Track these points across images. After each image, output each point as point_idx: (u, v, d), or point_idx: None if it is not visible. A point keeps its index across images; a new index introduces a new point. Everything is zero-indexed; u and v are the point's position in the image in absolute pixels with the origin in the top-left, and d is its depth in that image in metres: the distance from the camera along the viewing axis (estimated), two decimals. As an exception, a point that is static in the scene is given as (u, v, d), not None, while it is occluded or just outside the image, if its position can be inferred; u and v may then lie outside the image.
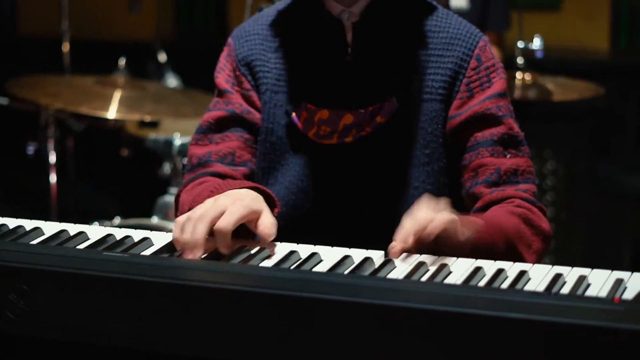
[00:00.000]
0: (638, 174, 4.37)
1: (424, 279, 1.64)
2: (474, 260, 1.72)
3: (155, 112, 3.74)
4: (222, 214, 1.75)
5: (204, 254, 1.74)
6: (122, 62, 3.93)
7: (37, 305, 1.60)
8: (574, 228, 4.89)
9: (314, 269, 1.69)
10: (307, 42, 2.08)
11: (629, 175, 4.41)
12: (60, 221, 1.95)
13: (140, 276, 1.57)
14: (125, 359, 1.59)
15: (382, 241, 1.78)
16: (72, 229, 1.87)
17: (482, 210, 1.97)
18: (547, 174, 4.94)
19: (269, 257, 1.76)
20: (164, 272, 1.60)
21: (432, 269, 1.67)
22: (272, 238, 1.78)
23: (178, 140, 3.74)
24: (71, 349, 1.63)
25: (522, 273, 1.64)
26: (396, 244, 1.72)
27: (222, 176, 2.04)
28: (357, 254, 1.74)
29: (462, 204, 2.14)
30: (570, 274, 1.64)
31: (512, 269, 1.68)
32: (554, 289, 1.56)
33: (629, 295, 1.52)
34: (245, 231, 1.80)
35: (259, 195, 1.84)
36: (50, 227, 1.88)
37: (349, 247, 1.77)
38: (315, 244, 1.79)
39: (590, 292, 1.56)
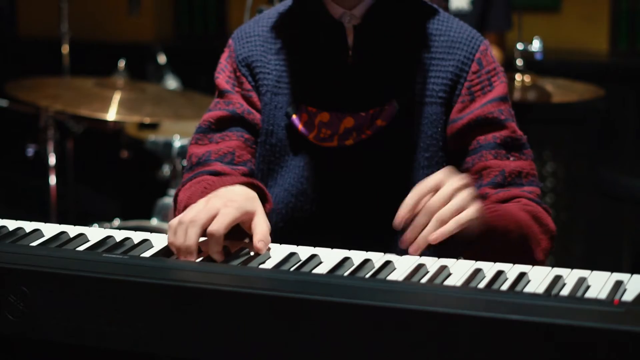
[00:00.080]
0: (637, 175, 4.37)
1: (423, 280, 1.64)
2: (473, 262, 1.72)
3: (155, 114, 3.74)
4: (213, 216, 1.74)
5: (199, 257, 1.74)
6: (121, 64, 3.93)
7: (36, 306, 1.60)
8: (574, 230, 4.89)
9: (314, 271, 1.69)
10: (308, 45, 2.08)
11: (628, 177, 4.41)
12: (60, 223, 1.95)
13: (139, 278, 1.57)
14: (124, 360, 1.60)
15: (382, 244, 1.78)
16: (72, 230, 1.87)
17: None
18: (546, 176, 4.94)
19: (268, 258, 1.76)
20: (163, 274, 1.60)
21: (432, 270, 1.67)
22: (266, 249, 1.77)
23: (177, 142, 3.74)
24: (71, 350, 1.63)
25: (521, 275, 1.64)
26: (401, 213, 1.72)
27: (220, 175, 2.03)
28: (357, 256, 1.74)
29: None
30: (570, 276, 1.64)
31: (511, 270, 1.68)
32: (554, 291, 1.56)
33: (628, 297, 1.52)
34: (239, 231, 1.79)
35: (252, 194, 1.84)
36: (49, 229, 1.88)
37: (349, 250, 1.77)
38: (315, 247, 1.79)
39: (589, 294, 1.56)
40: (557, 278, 1.62)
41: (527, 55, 3.64)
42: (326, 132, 2.03)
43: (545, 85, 3.67)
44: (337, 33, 2.04)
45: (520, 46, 3.62)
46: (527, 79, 3.64)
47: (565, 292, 1.57)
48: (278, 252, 1.78)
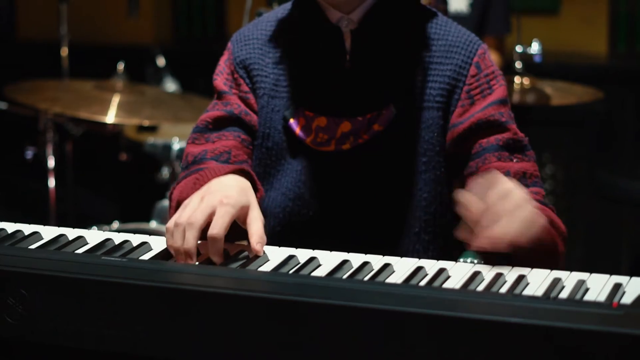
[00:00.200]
0: (637, 178, 4.37)
1: (422, 283, 1.64)
2: (472, 264, 1.72)
3: (154, 117, 3.74)
4: (210, 216, 1.74)
5: (201, 258, 1.74)
6: (120, 66, 3.92)
7: (35, 309, 1.59)
8: (573, 232, 4.87)
9: (313, 274, 1.69)
10: (306, 49, 2.08)
11: (627, 180, 4.41)
12: (59, 225, 1.95)
13: (138, 281, 1.57)
14: (123, 363, 1.59)
15: (379, 248, 1.78)
16: (71, 233, 1.87)
17: None
18: (545, 179, 4.94)
19: (267, 261, 1.76)
20: (162, 277, 1.60)
21: (431, 273, 1.67)
22: (262, 249, 1.77)
23: (176, 145, 3.73)
24: (69, 353, 1.63)
25: (520, 277, 1.64)
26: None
27: None
28: (356, 259, 1.74)
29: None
30: (569, 279, 1.64)
31: (510, 273, 1.68)
32: (553, 294, 1.56)
33: (627, 299, 1.52)
34: (234, 225, 1.79)
35: (245, 184, 1.84)
36: (48, 232, 1.88)
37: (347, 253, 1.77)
38: (313, 250, 1.79)
39: (588, 297, 1.56)
40: (556, 280, 1.62)
41: (526, 57, 3.64)
42: (323, 136, 2.03)
43: (545, 87, 3.67)
44: (334, 37, 2.04)
45: (519, 49, 3.62)
46: (526, 81, 3.63)
47: (564, 294, 1.57)
48: (277, 254, 1.78)
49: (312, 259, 1.73)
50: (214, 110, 2.10)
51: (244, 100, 2.09)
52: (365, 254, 1.77)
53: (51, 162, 3.91)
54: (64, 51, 4.15)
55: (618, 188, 4.40)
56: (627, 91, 4.90)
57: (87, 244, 1.83)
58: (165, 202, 3.77)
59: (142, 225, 3.67)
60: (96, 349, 1.58)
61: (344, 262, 1.71)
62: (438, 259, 1.75)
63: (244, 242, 1.84)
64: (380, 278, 1.65)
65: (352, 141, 2.02)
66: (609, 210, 4.83)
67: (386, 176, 2.02)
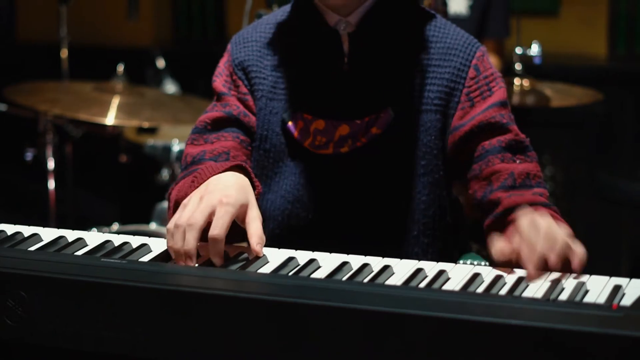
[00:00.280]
0: (636, 180, 4.37)
1: (422, 285, 1.64)
2: (472, 266, 1.72)
3: (154, 119, 3.74)
4: (210, 216, 1.74)
5: (200, 260, 1.74)
6: (120, 68, 3.92)
7: (35, 311, 1.59)
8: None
9: (312, 276, 1.69)
10: (304, 51, 2.08)
11: (627, 181, 4.41)
12: (59, 227, 1.95)
13: (138, 283, 1.57)
14: (123, 365, 1.59)
15: (378, 251, 1.78)
16: (71, 235, 1.87)
17: (503, 216, 1.96)
18: (545, 180, 4.91)
19: (267, 263, 1.76)
20: (162, 279, 1.60)
21: (431, 275, 1.67)
22: (262, 249, 1.77)
23: (176, 147, 3.73)
24: (69, 355, 1.62)
25: (520, 279, 1.64)
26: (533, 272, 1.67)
27: None
28: (356, 260, 1.74)
29: (461, 215, 2.14)
30: (569, 280, 1.64)
31: (510, 275, 1.68)
32: (552, 296, 1.56)
33: (627, 301, 1.52)
34: (232, 224, 1.79)
35: (244, 181, 1.84)
36: (48, 234, 1.88)
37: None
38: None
39: (588, 299, 1.56)
40: (556, 282, 1.62)
41: (525, 59, 3.64)
42: (321, 139, 2.03)
43: (544, 89, 3.67)
44: (332, 40, 2.04)
45: (519, 50, 3.62)
46: (526, 83, 3.63)
47: (563, 296, 1.57)
48: (276, 256, 1.78)
49: (311, 260, 1.73)
50: (213, 111, 2.10)
51: (243, 102, 2.09)
52: (364, 255, 1.77)
53: (51, 164, 3.91)
54: (64, 53, 4.15)
55: (618, 189, 4.39)
56: (627, 93, 4.90)
57: (86, 245, 1.83)
58: (165, 204, 3.76)
59: (141, 227, 3.66)
60: (95, 351, 1.58)
61: (344, 263, 1.71)
62: (437, 262, 1.75)
63: (244, 244, 1.84)
64: (379, 280, 1.65)
65: (350, 144, 2.02)
66: (608, 211, 4.83)
67: (384, 179, 2.02)
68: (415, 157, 2.02)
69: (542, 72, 3.98)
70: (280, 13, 2.13)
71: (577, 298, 1.55)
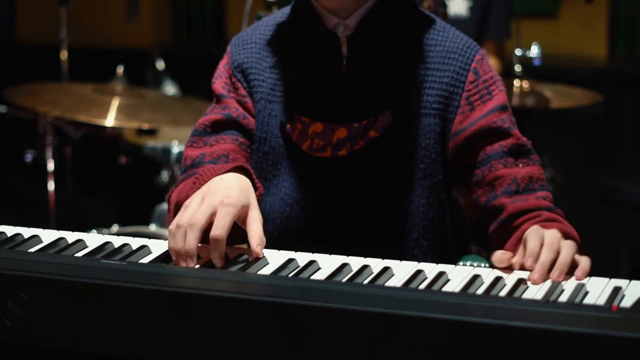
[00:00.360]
0: (636, 181, 4.36)
1: (422, 286, 1.64)
2: (471, 268, 1.72)
3: (153, 120, 3.74)
4: (211, 217, 1.74)
5: (200, 261, 1.74)
6: (120, 69, 3.92)
7: (34, 313, 1.59)
8: (572, 235, 4.87)
9: (312, 277, 1.69)
10: (303, 54, 2.08)
11: (627, 183, 4.41)
12: (58, 229, 1.95)
13: (138, 284, 1.57)
14: (123, 367, 1.59)
15: (377, 254, 1.77)
16: (70, 236, 1.87)
17: (507, 222, 1.97)
18: (545, 182, 4.93)
19: (267, 264, 1.76)
20: (162, 280, 1.60)
21: (431, 276, 1.67)
22: (262, 250, 1.77)
23: (176, 148, 3.73)
24: (69, 356, 1.62)
25: (520, 281, 1.64)
26: (537, 276, 1.68)
27: None
28: (355, 262, 1.74)
29: (460, 218, 2.14)
30: (569, 282, 1.64)
31: (509, 277, 1.68)
32: (552, 297, 1.56)
33: (627, 303, 1.52)
34: (233, 225, 1.79)
35: (246, 183, 1.83)
36: (48, 235, 1.88)
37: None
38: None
39: (588, 300, 1.56)
40: (556, 284, 1.62)
41: (525, 61, 3.64)
42: (319, 142, 2.03)
43: (544, 91, 3.67)
44: (331, 43, 2.04)
45: (518, 52, 3.62)
46: (526, 84, 3.63)
47: (563, 298, 1.57)
48: (276, 258, 1.78)
49: (311, 262, 1.73)
50: (212, 113, 2.10)
51: (242, 104, 2.09)
52: (364, 258, 1.77)
53: (50, 166, 3.91)
54: (64, 54, 4.15)
55: (617, 191, 4.39)
56: (627, 94, 4.90)
57: (86, 247, 1.83)
58: (165, 206, 3.76)
59: (141, 229, 3.66)
60: (95, 352, 1.58)
61: (344, 265, 1.71)
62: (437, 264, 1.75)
63: (244, 245, 1.84)
64: (379, 281, 1.65)
65: (348, 147, 2.02)
66: (608, 213, 4.83)
67: (382, 182, 2.02)
68: (413, 160, 2.02)
69: (542, 73, 3.98)
70: (280, 15, 2.13)
71: (577, 299, 1.55)
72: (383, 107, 2.02)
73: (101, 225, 3.90)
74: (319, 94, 2.05)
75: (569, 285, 1.62)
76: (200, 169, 1.97)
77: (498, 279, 1.64)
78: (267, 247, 1.80)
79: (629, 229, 4.86)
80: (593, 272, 1.71)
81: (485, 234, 2.04)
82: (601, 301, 1.54)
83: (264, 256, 1.77)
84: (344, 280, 1.66)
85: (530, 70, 3.71)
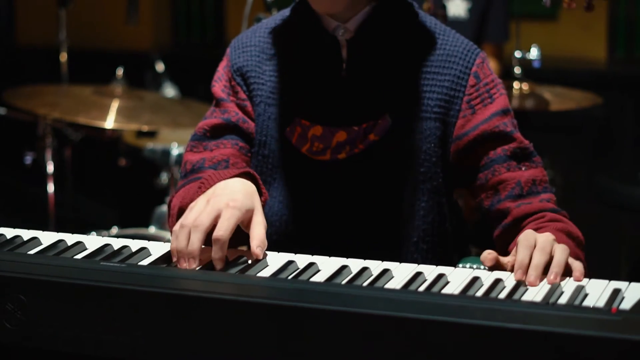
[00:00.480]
0: (635, 183, 4.36)
1: (421, 289, 1.64)
2: (471, 270, 1.72)
3: (153, 122, 3.74)
4: (215, 219, 1.74)
5: (200, 264, 1.74)
6: (119, 72, 3.92)
7: (34, 315, 1.59)
8: (572, 238, 4.87)
9: (312, 279, 1.69)
10: (303, 57, 2.08)
11: (626, 185, 4.41)
12: (58, 231, 1.94)
13: (137, 286, 1.57)
14: (122, 369, 1.59)
15: (376, 257, 1.77)
16: (70, 239, 1.87)
17: (512, 226, 1.97)
18: (545, 184, 4.93)
19: (266, 267, 1.76)
20: (161, 282, 1.60)
21: (430, 278, 1.67)
22: (263, 254, 1.77)
23: (175, 150, 3.73)
24: (68, 359, 1.62)
25: (519, 283, 1.64)
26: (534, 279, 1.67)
27: None
28: (355, 264, 1.74)
29: (460, 219, 2.14)
30: (568, 284, 1.64)
31: (509, 278, 1.68)
32: (552, 299, 1.56)
33: (626, 305, 1.52)
34: (237, 229, 1.79)
35: (251, 188, 1.83)
36: (47, 237, 1.88)
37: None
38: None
39: (587, 302, 1.56)
40: (555, 286, 1.62)
41: (525, 63, 3.64)
42: (319, 145, 2.03)
43: (543, 93, 3.67)
44: (331, 46, 2.04)
45: (518, 54, 3.62)
46: (525, 86, 3.63)
47: (563, 300, 1.57)
48: (276, 260, 1.78)
49: (311, 264, 1.73)
50: (212, 117, 2.10)
51: (242, 108, 2.09)
52: (364, 260, 1.77)
53: (50, 168, 3.91)
54: (63, 56, 4.15)
55: (617, 193, 4.39)
56: (626, 96, 4.90)
57: (86, 249, 1.83)
58: (164, 208, 3.77)
59: (141, 231, 3.66)
60: (95, 355, 1.58)
61: (343, 267, 1.71)
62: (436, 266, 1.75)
63: (244, 248, 1.84)
64: (379, 283, 1.65)
65: (347, 151, 2.02)
66: (608, 215, 4.83)
67: (382, 186, 2.02)
68: (414, 164, 2.02)
69: (542, 75, 3.98)
70: (280, 17, 2.13)
71: (577, 302, 1.55)
72: (383, 110, 2.02)
73: (101, 227, 3.90)
74: (318, 97, 2.05)
75: (568, 287, 1.62)
76: (204, 173, 1.97)
77: (497, 281, 1.64)
78: (266, 250, 1.80)
79: (628, 231, 4.86)
80: (592, 274, 1.71)
81: (489, 238, 2.05)
82: (600, 303, 1.54)
83: (263, 258, 1.77)
84: (344, 282, 1.66)
85: (530, 73, 3.71)
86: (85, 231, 3.46)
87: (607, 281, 1.64)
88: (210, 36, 5.92)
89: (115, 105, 3.72)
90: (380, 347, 1.44)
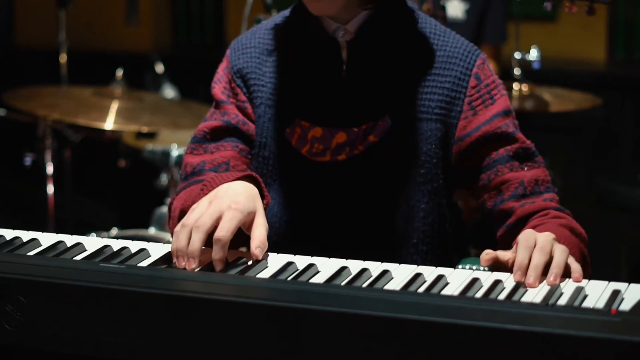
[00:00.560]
0: (635, 184, 4.36)
1: (421, 290, 1.64)
2: (470, 271, 1.72)
3: (153, 123, 3.74)
4: (217, 220, 1.74)
5: (200, 265, 1.74)
6: (119, 73, 3.92)
7: (34, 316, 1.59)
8: (571, 239, 4.86)
9: (311, 280, 1.69)
10: (303, 58, 2.08)
11: (626, 186, 4.41)
12: (58, 232, 1.94)
13: (137, 287, 1.57)
14: (122, 370, 1.59)
15: (376, 258, 1.77)
16: (70, 240, 1.87)
17: (516, 226, 1.98)
18: (545, 185, 4.92)
19: (266, 268, 1.76)
20: (161, 284, 1.60)
21: (429, 280, 1.67)
22: (263, 255, 1.77)
23: (175, 151, 3.73)
24: (68, 360, 1.63)
25: (519, 284, 1.64)
26: (533, 280, 1.67)
27: None
28: (354, 265, 1.74)
29: (460, 220, 2.14)
30: (568, 285, 1.64)
31: (509, 280, 1.68)
32: (551, 300, 1.56)
33: (626, 306, 1.52)
34: (238, 231, 1.79)
35: (253, 191, 1.83)
36: (47, 239, 1.88)
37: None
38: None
39: (587, 304, 1.56)
40: (555, 287, 1.62)
41: (524, 64, 3.64)
42: (319, 146, 2.03)
43: (543, 94, 3.67)
44: (331, 48, 2.03)
45: (517, 55, 3.62)
46: (525, 88, 3.64)
47: (562, 301, 1.57)
48: (275, 261, 1.78)
49: (310, 265, 1.73)
50: (212, 120, 2.10)
51: (242, 110, 2.09)
52: (364, 261, 1.77)
53: (50, 169, 3.91)
54: (63, 58, 4.15)
55: (617, 194, 4.39)
56: (626, 97, 4.90)
57: (85, 250, 1.83)
58: (164, 209, 3.77)
59: (140, 232, 3.66)
60: (94, 356, 1.58)
61: (343, 268, 1.71)
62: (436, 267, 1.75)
63: (243, 249, 1.84)
64: (378, 285, 1.65)
65: (347, 152, 2.02)
66: (607, 216, 4.83)
67: (382, 187, 2.02)
68: (414, 165, 2.02)
69: (541, 77, 3.98)
70: (279, 18, 2.13)
71: (576, 303, 1.55)
72: (382, 111, 2.02)
73: (100, 228, 3.90)
74: (318, 99, 2.05)
75: (568, 289, 1.62)
76: (205, 176, 1.97)
77: (497, 282, 1.64)
78: (266, 251, 1.80)
79: (628, 232, 4.86)
80: (592, 275, 1.71)
81: (489, 239, 2.05)
82: (600, 304, 1.54)
83: (263, 259, 1.77)
84: (343, 283, 1.66)
85: (530, 74, 3.71)
86: (84, 232, 3.46)
87: (606, 282, 1.64)
88: (210, 37, 5.92)
89: (115, 106, 3.72)
90: (379, 348, 1.44)
